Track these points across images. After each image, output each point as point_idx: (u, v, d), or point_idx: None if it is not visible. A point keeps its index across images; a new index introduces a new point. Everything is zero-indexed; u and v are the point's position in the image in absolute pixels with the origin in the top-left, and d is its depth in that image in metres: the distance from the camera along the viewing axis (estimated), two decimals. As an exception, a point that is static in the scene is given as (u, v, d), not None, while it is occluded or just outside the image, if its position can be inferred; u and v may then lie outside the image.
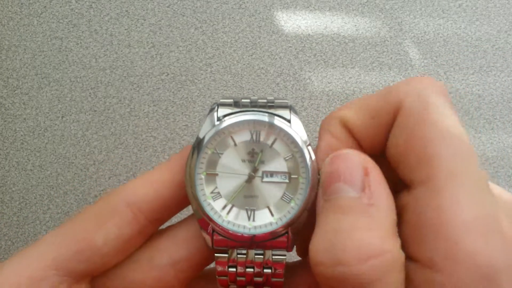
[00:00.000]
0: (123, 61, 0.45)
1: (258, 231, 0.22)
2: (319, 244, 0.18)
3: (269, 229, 0.22)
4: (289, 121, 0.22)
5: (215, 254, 0.22)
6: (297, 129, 0.22)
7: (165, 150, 0.43)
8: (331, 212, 0.19)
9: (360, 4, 0.46)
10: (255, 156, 0.22)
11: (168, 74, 0.44)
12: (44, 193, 0.43)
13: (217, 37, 0.45)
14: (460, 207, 0.17)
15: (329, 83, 0.44)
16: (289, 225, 0.22)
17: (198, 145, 0.22)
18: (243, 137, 0.22)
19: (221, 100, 0.23)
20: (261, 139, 0.22)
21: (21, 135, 0.44)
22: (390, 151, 0.20)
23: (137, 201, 0.22)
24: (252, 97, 0.23)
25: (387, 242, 0.17)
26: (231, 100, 0.23)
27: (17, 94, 0.44)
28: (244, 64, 0.44)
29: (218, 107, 0.23)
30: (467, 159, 0.18)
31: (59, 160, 0.43)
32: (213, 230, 0.22)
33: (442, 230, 0.17)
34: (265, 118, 0.22)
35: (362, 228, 0.18)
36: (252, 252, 0.22)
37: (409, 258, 0.18)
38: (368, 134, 0.20)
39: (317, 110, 0.43)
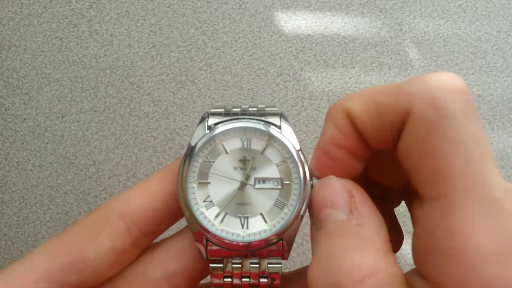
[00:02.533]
0: (123, 61, 0.45)
1: (252, 239, 0.22)
2: (316, 272, 0.18)
3: (263, 236, 0.22)
4: (279, 127, 0.22)
5: (210, 265, 0.22)
6: (287, 135, 0.22)
7: (165, 150, 0.43)
8: (323, 239, 0.19)
9: (360, 4, 0.46)
10: (246, 163, 0.22)
11: (168, 74, 0.44)
12: (44, 193, 0.43)
13: (217, 37, 0.45)
14: (473, 229, 0.16)
15: (329, 83, 0.44)
16: (283, 231, 0.22)
17: (189, 153, 0.22)
18: (234, 144, 0.22)
19: (212, 110, 0.23)
20: (252, 146, 0.22)
21: (21, 135, 0.44)
22: (402, 158, 0.19)
23: (129, 212, 0.22)
24: (243, 106, 0.23)
25: (380, 260, 0.17)
26: (222, 109, 0.23)
27: (17, 94, 0.44)
28: (244, 64, 0.44)
29: (208, 116, 0.23)
30: (483, 174, 0.16)
31: (59, 160, 0.43)
32: (207, 240, 0.22)
33: (453, 254, 0.16)
34: (255, 125, 0.22)
35: (354, 249, 0.17)
36: (247, 262, 0.22)
37: (419, 274, 0.17)
38: (374, 131, 0.19)
39: (317, 110, 0.43)
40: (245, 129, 0.22)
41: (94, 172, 0.43)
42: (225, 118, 0.23)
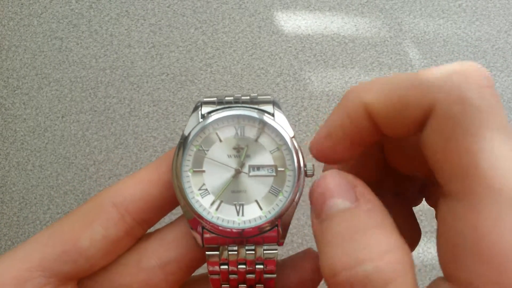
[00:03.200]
0: (123, 61, 0.45)
1: (247, 226, 0.22)
2: (333, 257, 0.17)
3: (258, 222, 0.22)
4: (272, 115, 0.23)
5: (206, 253, 0.22)
6: (281, 123, 0.22)
7: (165, 150, 0.43)
8: (332, 227, 0.18)
9: (360, 4, 0.46)
10: (240, 151, 0.22)
11: (168, 74, 0.44)
12: (44, 193, 0.43)
13: (217, 37, 0.45)
14: (504, 230, 0.15)
15: (329, 83, 0.44)
16: (278, 217, 0.22)
17: (183, 142, 0.22)
18: (228, 132, 0.23)
19: (205, 99, 0.23)
20: (246, 133, 0.23)
21: (21, 135, 0.44)
22: (426, 152, 0.18)
23: (123, 201, 0.22)
24: (235, 94, 0.23)
25: (396, 238, 0.17)
26: (215, 98, 0.23)
27: (17, 94, 0.44)
28: (244, 64, 0.44)
29: (202, 105, 0.23)
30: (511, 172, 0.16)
31: (59, 160, 0.43)
32: (203, 228, 0.22)
33: (484, 253, 0.15)
34: (248, 112, 0.22)
35: (369, 228, 0.17)
36: (243, 249, 0.22)
37: (445, 274, 0.17)
38: (393, 124, 0.19)
39: (317, 110, 0.43)
40: (238, 117, 0.22)
41: (94, 172, 0.43)
42: (218, 107, 0.23)
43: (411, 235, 0.23)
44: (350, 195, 0.18)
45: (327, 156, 0.20)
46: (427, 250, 0.40)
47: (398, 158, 0.22)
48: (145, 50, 0.45)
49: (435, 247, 0.18)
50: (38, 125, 0.44)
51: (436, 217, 0.18)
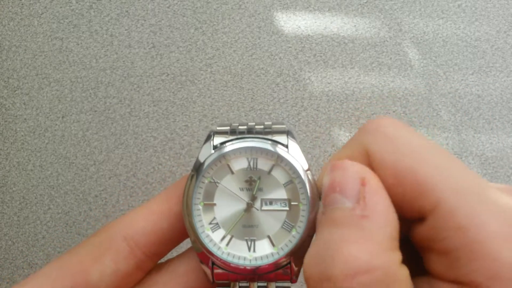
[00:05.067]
0: (123, 61, 0.45)
1: (259, 263, 0.21)
2: (310, 258, 0.17)
3: (271, 260, 0.21)
4: (286, 146, 0.22)
5: None
6: (295, 154, 0.22)
7: (165, 150, 0.43)
8: (325, 225, 0.18)
9: (360, 4, 0.46)
10: (253, 184, 0.22)
11: (168, 75, 0.45)
12: (45, 193, 0.43)
13: (217, 38, 0.45)
14: (481, 220, 0.16)
15: (328, 83, 0.44)
16: (291, 254, 0.21)
17: (195, 174, 0.22)
18: (240, 164, 0.22)
19: (218, 128, 0.22)
20: (259, 166, 0.22)
21: (22, 135, 0.44)
22: (423, 242, 0.18)
23: (134, 235, 0.21)
24: (249, 123, 0.22)
25: (379, 257, 0.16)
26: (227, 128, 0.22)
27: (18, 94, 0.44)
28: (244, 64, 0.45)
29: (214, 135, 0.22)
30: (457, 170, 0.17)
31: (59, 160, 0.43)
32: (213, 263, 0.21)
33: (473, 249, 0.15)
34: (262, 145, 0.22)
35: (352, 241, 0.17)
36: (255, 285, 0.21)
37: (453, 282, 0.17)
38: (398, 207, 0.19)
39: (317, 110, 0.44)
40: (251, 149, 0.22)
41: (94, 172, 0.43)
42: (230, 137, 0.22)
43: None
44: (353, 194, 0.18)
45: None
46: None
47: None
48: (145, 51, 0.45)
49: None
50: (39, 125, 0.44)
51: (425, 244, 0.18)
